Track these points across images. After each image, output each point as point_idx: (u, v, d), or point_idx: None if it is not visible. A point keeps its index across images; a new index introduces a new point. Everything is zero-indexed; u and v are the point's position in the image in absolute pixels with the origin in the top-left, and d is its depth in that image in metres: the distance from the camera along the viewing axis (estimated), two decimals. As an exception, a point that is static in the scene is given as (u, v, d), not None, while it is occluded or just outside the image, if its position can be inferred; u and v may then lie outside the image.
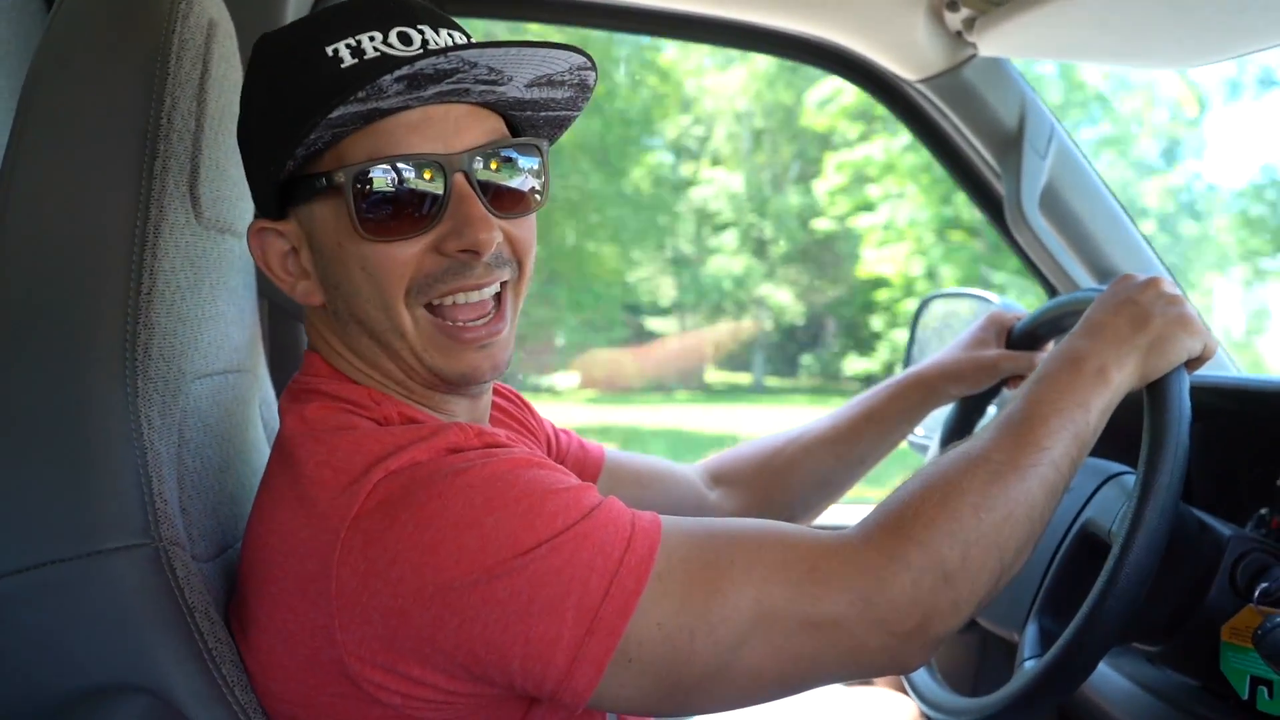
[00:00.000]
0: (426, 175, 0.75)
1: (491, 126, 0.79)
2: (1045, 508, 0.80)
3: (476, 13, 1.54)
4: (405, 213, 0.75)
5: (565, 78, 0.79)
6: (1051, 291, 1.56)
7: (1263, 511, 1.03)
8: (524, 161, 0.80)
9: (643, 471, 1.16)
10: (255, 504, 0.80)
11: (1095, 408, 0.84)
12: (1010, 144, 1.46)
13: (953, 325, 1.59)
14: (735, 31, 1.51)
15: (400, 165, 0.74)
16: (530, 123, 0.83)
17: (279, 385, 1.16)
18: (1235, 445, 1.09)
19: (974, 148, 1.52)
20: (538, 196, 0.81)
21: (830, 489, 1.21)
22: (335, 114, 0.70)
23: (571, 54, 0.76)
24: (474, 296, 0.79)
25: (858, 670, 0.76)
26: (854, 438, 1.19)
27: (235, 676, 0.74)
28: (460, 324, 0.78)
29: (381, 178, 0.74)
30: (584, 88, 0.82)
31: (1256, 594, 0.91)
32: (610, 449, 1.16)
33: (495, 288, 0.80)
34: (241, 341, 0.98)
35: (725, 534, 0.75)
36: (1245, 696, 0.89)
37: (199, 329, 0.85)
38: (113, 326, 0.75)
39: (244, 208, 0.95)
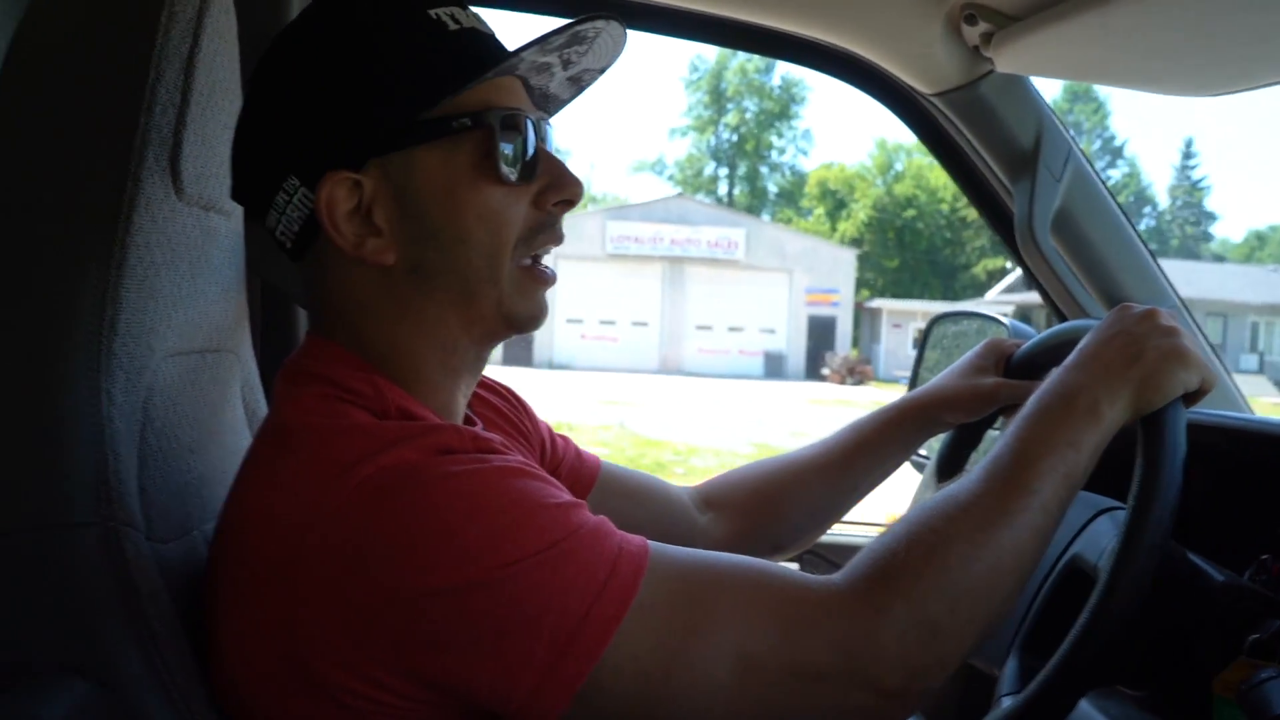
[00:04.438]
0: (540, 130, 0.80)
1: None
2: (1034, 554, 0.77)
3: (487, 1, 1.52)
4: (525, 162, 0.78)
5: (589, 78, 0.87)
6: (1060, 316, 1.53)
7: (1264, 557, 0.99)
8: None
9: (636, 488, 1.13)
10: (234, 487, 0.78)
11: (1086, 447, 0.80)
12: (1024, 163, 1.42)
13: (961, 346, 1.56)
14: (751, 35, 1.49)
15: (529, 117, 0.78)
16: None
17: (271, 366, 1.15)
18: (1238, 488, 1.06)
19: (987, 164, 1.49)
20: None
21: (822, 517, 1.18)
22: (492, 73, 0.75)
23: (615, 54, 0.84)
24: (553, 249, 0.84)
25: None
26: (846, 466, 1.16)
27: (177, 662, 0.72)
28: (543, 268, 0.83)
29: (520, 125, 0.78)
30: (579, 90, 0.88)
31: (1247, 645, 0.88)
32: (606, 462, 1.14)
33: None
34: (224, 321, 0.97)
35: (712, 570, 0.72)
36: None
37: (173, 306, 0.84)
38: (84, 301, 0.74)
39: (230, 186, 0.94)
